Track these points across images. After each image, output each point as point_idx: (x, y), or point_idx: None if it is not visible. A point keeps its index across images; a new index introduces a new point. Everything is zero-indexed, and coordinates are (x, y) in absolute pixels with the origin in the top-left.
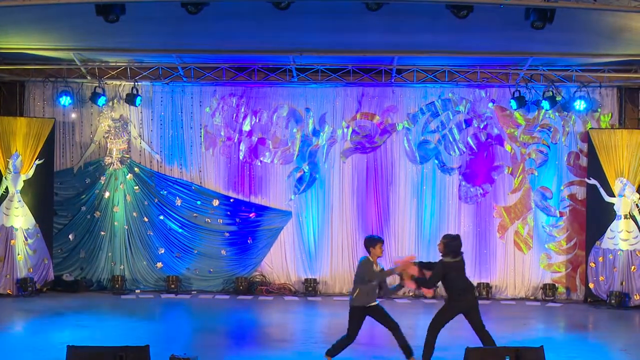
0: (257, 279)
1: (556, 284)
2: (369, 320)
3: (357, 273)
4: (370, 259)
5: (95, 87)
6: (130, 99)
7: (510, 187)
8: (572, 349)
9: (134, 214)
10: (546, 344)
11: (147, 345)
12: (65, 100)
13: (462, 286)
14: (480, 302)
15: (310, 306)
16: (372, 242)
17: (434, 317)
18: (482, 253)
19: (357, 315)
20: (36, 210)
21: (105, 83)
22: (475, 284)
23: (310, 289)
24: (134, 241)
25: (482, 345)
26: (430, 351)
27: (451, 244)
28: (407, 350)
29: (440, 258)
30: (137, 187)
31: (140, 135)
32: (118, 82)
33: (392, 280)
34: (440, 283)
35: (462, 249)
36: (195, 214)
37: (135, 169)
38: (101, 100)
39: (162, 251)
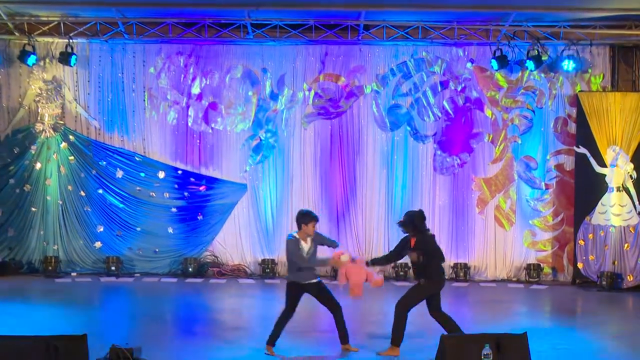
0: (208, 260)
1: (541, 264)
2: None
3: (286, 252)
4: (298, 236)
5: (25, 44)
6: (64, 58)
7: (491, 156)
8: (558, 335)
9: (69, 187)
10: (530, 331)
11: (85, 334)
12: None
13: (439, 264)
14: (457, 284)
15: (268, 290)
16: (306, 218)
17: (405, 297)
18: (460, 230)
19: (292, 292)
20: None
21: (36, 40)
22: (451, 264)
23: (267, 270)
24: (69, 218)
25: (457, 333)
26: (401, 335)
27: (410, 222)
28: (344, 336)
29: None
30: (72, 158)
31: (75, 99)
32: (50, 39)
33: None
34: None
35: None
36: (138, 188)
37: (70, 136)
38: (31, 60)
39: (101, 229)
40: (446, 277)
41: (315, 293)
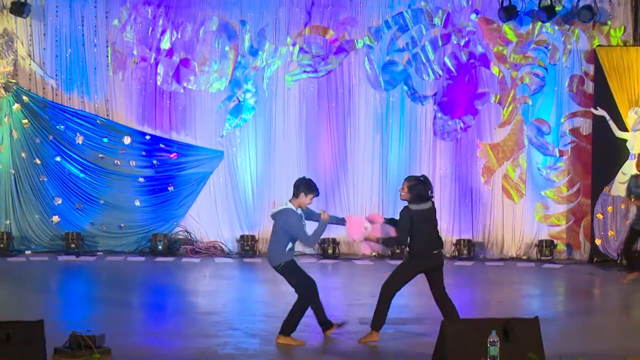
0: (180, 237)
1: (555, 241)
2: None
3: (283, 226)
4: (293, 208)
5: None
6: (17, 8)
7: (498, 119)
8: (574, 320)
9: (23, 154)
10: (542, 315)
11: (41, 320)
12: None
13: (434, 239)
14: (460, 263)
15: (247, 269)
16: (310, 188)
17: (390, 278)
18: (463, 202)
19: (295, 269)
20: None
21: None
22: (454, 241)
23: (247, 248)
24: (23, 189)
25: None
26: (382, 319)
27: (417, 187)
28: (323, 320)
29: (406, 205)
30: (26, 121)
31: (29, 55)
32: None
33: None
34: None
35: (432, 193)
36: (101, 155)
37: (24, 97)
38: None
39: (60, 201)
40: (447, 255)
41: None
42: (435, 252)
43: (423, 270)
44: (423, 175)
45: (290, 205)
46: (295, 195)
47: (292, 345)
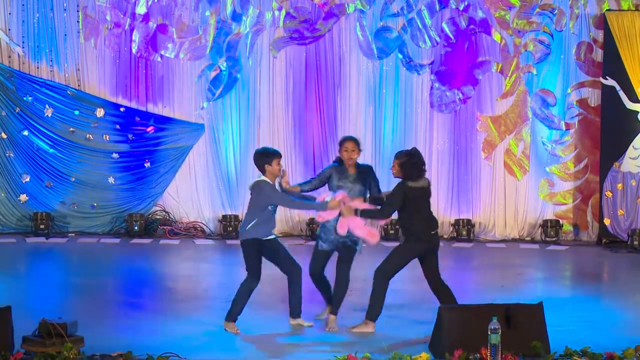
0: (158, 217)
1: (560, 220)
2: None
3: (257, 198)
4: (267, 180)
5: None
6: None
7: (500, 90)
8: (580, 306)
9: None
10: (546, 300)
11: (9, 306)
12: None
13: (432, 218)
14: (458, 245)
15: (230, 252)
16: (268, 157)
17: (385, 262)
18: (462, 179)
19: (253, 252)
20: None
21: None
22: (452, 221)
23: (230, 229)
24: None
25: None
26: (379, 308)
27: (409, 162)
28: (295, 307)
29: (401, 180)
30: None
31: None
32: None
33: None
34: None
35: (425, 167)
36: (72, 129)
37: None
38: None
39: (27, 179)
40: (445, 236)
41: (273, 252)
42: (433, 232)
43: (421, 253)
44: (414, 148)
45: (265, 179)
46: (263, 171)
47: (236, 332)
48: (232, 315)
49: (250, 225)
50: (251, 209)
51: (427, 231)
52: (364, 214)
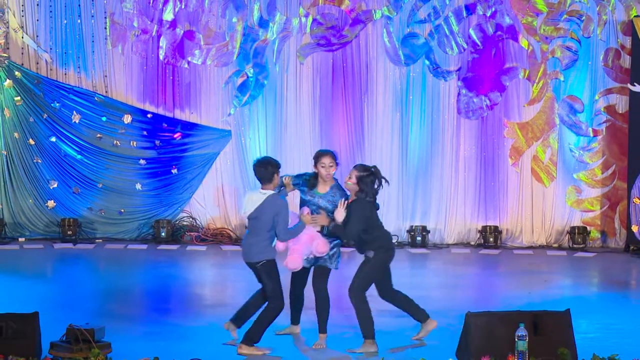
0: (185, 223)
1: (588, 227)
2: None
3: (275, 216)
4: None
5: None
6: None
7: (527, 96)
8: (608, 312)
9: (16, 134)
10: (574, 307)
11: (36, 312)
12: None
13: (384, 228)
14: (486, 251)
15: None
16: (276, 165)
17: (358, 280)
18: (489, 186)
19: (277, 271)
20: None
21: None
22: (479, 227)
23: None
24: (16, 172)
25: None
26: (371, 323)
27: (368, 178)
28: (240, 319)
29: (357, 199)
30: (18, 98)
31: (22, 27)
32: None
33: None
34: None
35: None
36: (99, 135)
37: (17, 73)
38: None
39: (55, 185)
40: (472, 242)
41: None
42: (392, 244)
43: (389, 262)
44: (374, 167)
45: (271, 192)
46: (270, 180)
47: (258, 354)
48: (254, 339)
49: (266, 243)
50: (267, 225)
51: (390, 239)
52: (335, 229)
